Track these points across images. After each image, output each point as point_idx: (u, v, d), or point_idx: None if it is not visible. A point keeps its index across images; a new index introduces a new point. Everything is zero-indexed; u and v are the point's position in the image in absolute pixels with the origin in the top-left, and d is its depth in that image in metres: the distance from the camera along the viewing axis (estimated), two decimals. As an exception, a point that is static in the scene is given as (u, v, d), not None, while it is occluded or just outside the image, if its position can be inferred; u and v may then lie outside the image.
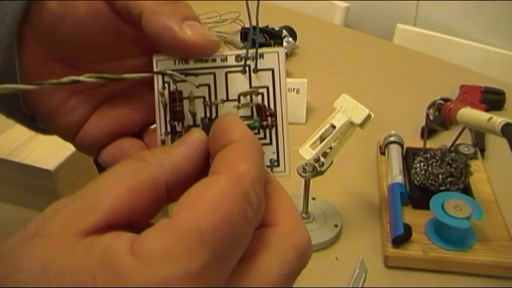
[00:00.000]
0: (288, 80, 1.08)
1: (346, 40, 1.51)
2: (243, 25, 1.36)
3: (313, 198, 0.79)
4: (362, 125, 0.67)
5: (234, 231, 0.24)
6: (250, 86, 0.33)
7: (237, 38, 1.33)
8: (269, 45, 1.17)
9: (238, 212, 0.24)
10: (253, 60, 0.33)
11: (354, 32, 1.58)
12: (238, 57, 0.33)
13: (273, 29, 1.32)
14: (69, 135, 0.37)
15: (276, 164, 0.33)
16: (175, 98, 0.33)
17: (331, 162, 0.70)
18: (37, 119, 0.37)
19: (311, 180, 0.73)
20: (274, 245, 0.26)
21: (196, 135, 0.30)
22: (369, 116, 0.67)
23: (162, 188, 0.27)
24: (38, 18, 0.32)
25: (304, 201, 0.75)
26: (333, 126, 0.68)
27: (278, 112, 0.33)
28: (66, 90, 0.35)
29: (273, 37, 1.25)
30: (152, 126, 0.37)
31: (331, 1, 1.75)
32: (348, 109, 0.68)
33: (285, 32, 1.32)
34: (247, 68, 0.33)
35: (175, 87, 0.33)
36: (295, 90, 1.04)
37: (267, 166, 0.33)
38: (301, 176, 0.70)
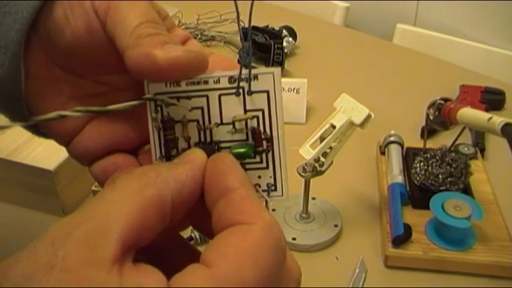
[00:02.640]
0: (288, 79, 1.08)
1: (346, 40, 1.51)
2: (243, 25, 1.35)
3: (313, 198, 0.79)
4: (362, 124, 0.67)
5: (273, 280, 0.25)
6: (245, 109, 0.32)
7: (237, 38, 1.34)
8: (268, 46, 1.18)
9: (276, 262, 0.25)
10: (247, 81, 0.31)
11: (354, 32, 1.58)
12: (231, 79, 0.31)
13: (273, 28, 1.32)
14: (63, 141, 0.37)
15: (273, 188, 0.32)
16: (167, 126, 0.32)
17: (331, 162, 0.70)
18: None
19: (311, 180, 0.73)
20: (283, 283, 0.27)
21: (198, 154, 0.30)
22: (368, 116, 0.67)
23: (168, 205, 0.27)
24: (43, 26, 0.33)
25: (304, 201, 0.75)
26: (333, 126, 0.68)
27: (274, 136, 0.32)
28: (65, 95, 0.36)
29: (272, 37, 1.25)
30: (146, 146, 0.37)
31: (331, 1, 1.75)
32: (348, 109, 0.68)
33: (285, 32, 1.32)
34: (241, 90, 0.31)
35: (167, 114, 0.32)
36: (295, 90, 1.04)
37: (264, 190, 0.32)
38: (301, 175, 0.70)
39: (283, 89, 1.04)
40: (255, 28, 1.31)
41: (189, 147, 0.32)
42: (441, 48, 1.52)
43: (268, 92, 0.31)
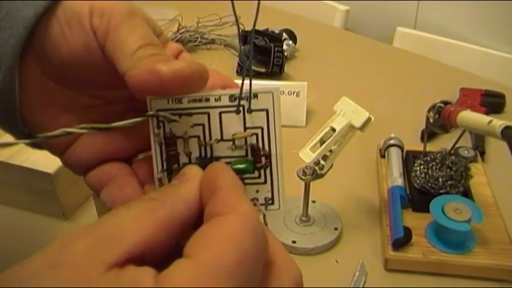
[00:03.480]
0: (288, 83, 1.08)
1: (346, 43, 1.51)
2: (243, 28, 1.36)
3: (313, 201, 0.79)
4: (362, 128, 0.67)
5: (252, 265, 0.25)
6: (245, 126, 0.33)
7: (237, 41, 1.34)
8: (268, 49, 1.18)
9: (253, 247, 0.26)
10: (247, 100, 0.32)
11: (354, 35, 1.58)
12: (232, 97, 0.32)
13: (273, 32, 1.32)
14: (56, 152, 0.38)
15: (270, 202, 0.33)
16: (170, 142, 0.33)
17: (331, 165, 0.70)
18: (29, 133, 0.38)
19: (311, 183, 0.73)
20: (277, 282, 0.28)
21: (195, 172, 0.31)
22: (368, 119, 0.67)
23: (178, 224, 0.28)
24: (39, 41, 0.33)
25: (304, 204, 0.75)
26: (333, 129, 0.68)
27: (273, 153, 0.33)
28: (58, 107, 0.36)
29: (272, 40, 1.25)
30: (141, 155, 0.37)
31: (331, 4, 1.75)
32: (347, 112, 0.68)
33: (285, 35, 1.32)
34: (241, 109, 0.33)
35: (169, 130, 0.33)
36: (295, 94, 1.04)
37: (261, 204, 0.33)
38: (301, 179, 0.70)
39: (283, 93, 1.04)
40: (255, 31, 1.31)
41: (190, 161, 0.33)
42: (441, 51, 1.53)
43: (267, 111, 0.32)
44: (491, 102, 1.10)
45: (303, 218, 0.76)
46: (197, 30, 1.39)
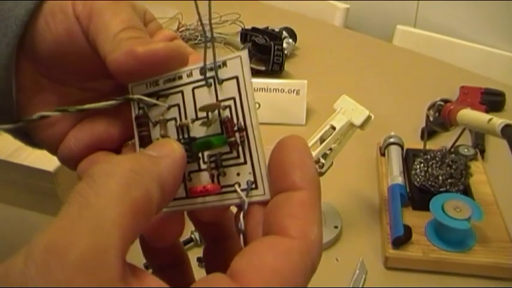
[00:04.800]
0: (288, 81, 1.08)
1: (346, 41, 1.51)
2: (243, 26, 1.36)
3: (313, 200, 0.79)
4: (362, 126, 0.68)
5: None
6: (217, 100, 0.30)
7: (237, 40, 1.34)
8: (268, 47, 1.18)
9: (304, 282, 0.24)
10: (215, 70, 0.30)
11: (354, 33, 1.58)
12: (202, 70, 0.30)
13: (273, 30, 1.32)
14: (51, 149, 0.37)
15: (253, 186, 0.29)
16: (140, 122, 0.32)
17: (331, 164, 0.70)
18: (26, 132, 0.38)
19: (311, 182, 0.72)
20: None
21: (176, 148, 0.28)
22: (368, 117, 0.67)
23: (154, 204, 0.25)
24: (29, 37, 0.33)
25: (304, 202, 0.75)
26: (333, 128, 0.68)
27: (248, 124, 0.29)
28: (51, 105, 0.36)
29: (272, 38, 1.25)
30: (130, 142, 0.37)
31: (332, 2, 1.75)
32: (347, 110, 0.68)
33: (285, 33, 1.32)
34: (211, 81, 0.30)
35: (141, 112, 0.32)
36: (295, 92, 1.04)
37: (243, 189, 0.29)
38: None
39: (283, 91, 1.04)
40: (255, 29, 1.31)
41: None
42: (441, 49, 1.53)
43: (237, 78, 0.29)
44: (491, 101, 1.10)
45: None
46: (197, 29, 1.39)
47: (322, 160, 0.69)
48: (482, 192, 0.81)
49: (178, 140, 0.31)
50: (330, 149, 0.69)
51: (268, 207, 0.27)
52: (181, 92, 0.31)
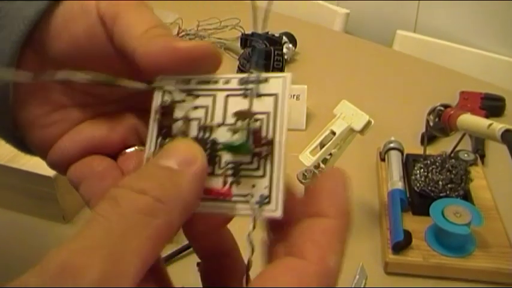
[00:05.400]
0: (288, 86, 1.08)
1: (346, 46, 1.51)
2: (243, 31, 1.36)
3: (313, 205, 0.79)
4: (362, 131, 0.68)
5: None
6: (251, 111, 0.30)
7: (237, 45, 1.34)
8: (268, 52, 1.18)
9: None
10: (257, 84, 0.30)
11: (354, 39, 1.58)
12: (242, 81, 0.30)
13: (273, 35, 1.32)
14: (43, 150, 0.36)
15: (266, 201, 0.28)
16: (166, 112, 0.31)
17: (331, 169, 0.70)
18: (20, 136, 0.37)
19: (311, 187, 0.72)
20: None
21: (200, 159, 0.27)
22: (368, 123, 0.68)
23: (175, 227, 0.24)
24: (39, 35, 0.33)
25: (304, 207, 0.75)
26: (333, 133, 0.68)
27: (276, 141, 0.29)
28: (50, 104, 0.35)
29: (273, 43, 1.25)
30: (128, 150, 0.36)
31: (331, 7, 1.75)
32: (347, 115, 0.68)
33: (285, 38, 1.32)
34: (249, 92, 0.30)
35: (168, 101, 0.31)
36: (295, 97, 1.04)
37: (256, 202, 0.28)
38: (301, 182, 0.70)
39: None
40: (254, 34, 1.31)
41: None
42: (441, 54, 1.53)
43: (276, 96, 0.30)
44: (491, 106, 1.10)
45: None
46: (197, 34, 1.39)
47: (322, 165, 0.69)
48: (482, 197, 0.81)
49: (197, 139, 0.30)
50: (330, 154, 0.69)
51: (294, 230, 0.26)
52: (214, 96, 0.31)
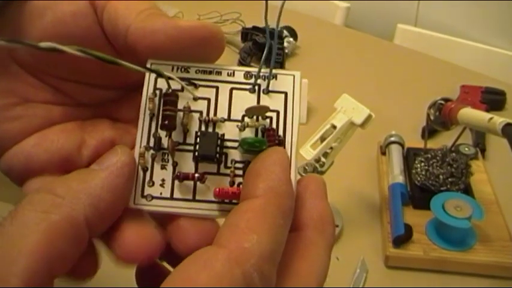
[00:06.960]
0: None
1: (347, 40, 1.51)
2: (243, 25, 1.36)
3: (314, 199, 0.79)
4: (363, 125, 0.67)
5: None
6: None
7: (238, 39, 1.34)
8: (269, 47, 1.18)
9: None
10: (265, 80, 0.29)
11: (355, 32, 1.58)
12: (247, 74, 0.29)
13: (274, 29, 1.32)
14: (2, 147, 0.30)
15: None
16: (169, 101, 0.28)
17: (332, 163, 0.70)
18: None
19: (312, 181, 0.72)
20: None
21: (119, 157, 0.25)
22: (369, 116, 0.67)
23: (82, 226, 0.23)
24: (15, 13, 0.29)
25: (304, 201, 0.75)
26: (334, 127, 0.68)
27: (287, 141, 0.28)
28: (13, 95, 0.30)
29: (273, 37, 1.25)
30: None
31: (332, 1, 1.75)
32: (348, 109, 0.68)
33: (285, 32, 1.32)
34: (257, 87, 0.29)
35: (170, 90, 0.28)
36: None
37: None
38: (302, 176, 0.70)
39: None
40: (255, 28, 1.31)
41: (185, 140, 0.28)
42: (442, 48, 1.52)
43: (286, 94, 0.29)
44: (492, 100, 1.10)
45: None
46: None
47: (322, 159, 0.69)
48: (483, 191, 0.81)
49: (202, 133, 0.28)
50: (331, 148, 0.69)
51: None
52: (217, 87, 0.29)
